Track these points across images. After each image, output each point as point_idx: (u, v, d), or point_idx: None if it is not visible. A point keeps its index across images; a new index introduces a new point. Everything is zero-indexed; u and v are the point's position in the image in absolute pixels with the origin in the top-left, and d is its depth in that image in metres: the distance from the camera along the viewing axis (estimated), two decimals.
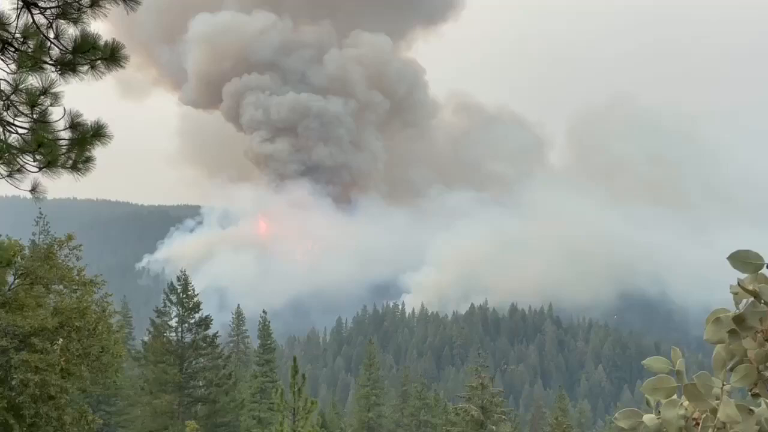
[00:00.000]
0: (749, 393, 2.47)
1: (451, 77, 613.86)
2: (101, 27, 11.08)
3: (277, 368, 70.60)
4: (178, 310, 53.83)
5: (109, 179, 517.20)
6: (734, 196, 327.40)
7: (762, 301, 2.35)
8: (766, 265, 2.38)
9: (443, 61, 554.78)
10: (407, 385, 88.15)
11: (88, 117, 11.15)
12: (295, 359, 33.15)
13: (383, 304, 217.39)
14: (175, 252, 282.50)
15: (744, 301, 2.41)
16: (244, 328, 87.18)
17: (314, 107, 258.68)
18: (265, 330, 70.60)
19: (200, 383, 54.03)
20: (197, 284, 59.09)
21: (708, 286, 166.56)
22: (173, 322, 54.14)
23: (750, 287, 2.38)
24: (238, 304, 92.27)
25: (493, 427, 51.05)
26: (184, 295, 53.96)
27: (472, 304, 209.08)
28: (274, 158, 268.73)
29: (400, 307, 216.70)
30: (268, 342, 70.31)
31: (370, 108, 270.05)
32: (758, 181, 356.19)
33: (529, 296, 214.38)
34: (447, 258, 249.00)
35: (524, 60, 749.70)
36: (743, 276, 2.41)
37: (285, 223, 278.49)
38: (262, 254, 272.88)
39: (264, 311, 73.76)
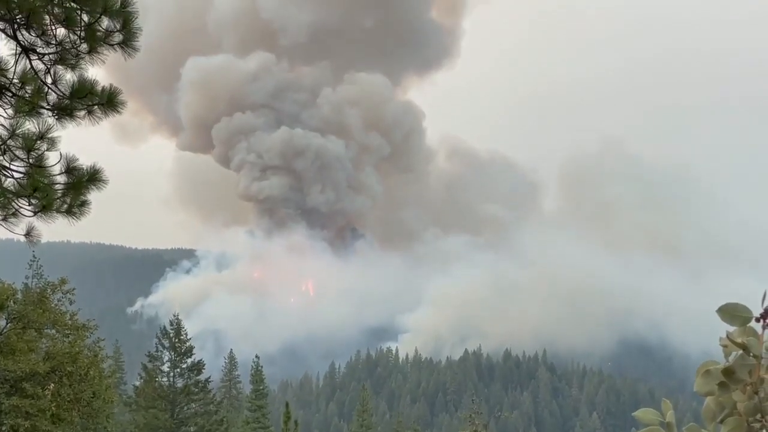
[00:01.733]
0: None
1: (444, 122, 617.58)
2: (99, 73, 11.18)
3: (269, 414, 70.00)
4: (171, 354, 53.52)
5: (103, 222, 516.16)
6: (728, 243, 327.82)
7: (751, 354, 2.38)
8: (754, 318, 2.41)
9: (435, 106, 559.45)
10: None
11: (84, 160, 11.21)
12: (287, 405, 32.96)
13: (377, 349, 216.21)
14: (169, 295, 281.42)
15: (733, 353, 2.44)
16: (236, 372, 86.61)
17: (313, 145, 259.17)
18: (257, 375, 70.12)
19: (192, 429, 53.49)
20: (192, 328, 58.90)
21: (707, 332, 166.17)
22: (165, 367, 53.78)
23: (739, 340, 2.40)
24: (231, 349, 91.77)
25: None
26: (176, 339, 53.69)
27: (466, 350, 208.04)
28: (268, 199, 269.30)
29: (393, 352, 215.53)
30: (261, 387, 69.80)
31: (368, 150, 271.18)
32: (750, 229, 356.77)
33: (524, 341, 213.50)
34: (442, 302, 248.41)
35: (516, 106, 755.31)
36: (732, 328, 2.45)
37: (280, 266, 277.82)
38: (258, 298, 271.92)
39: (257, 356, 73.35)
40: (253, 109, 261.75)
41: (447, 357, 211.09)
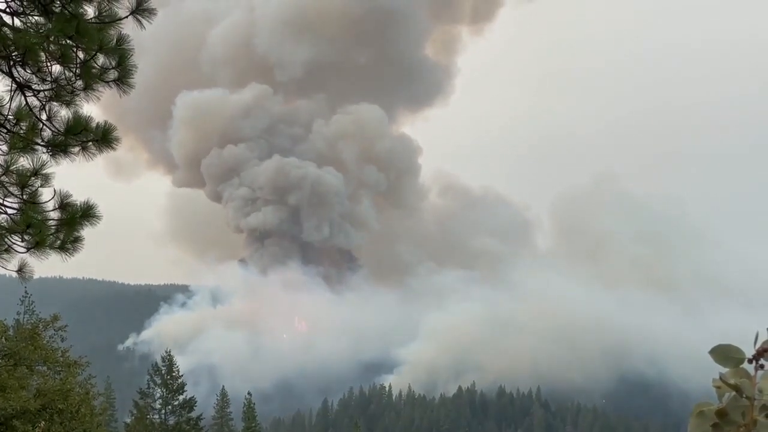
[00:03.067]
0: None
1: (436, 159, 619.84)
2: (93, 110, 11.22)
3: None
4: (162, 391, 53.18)
5: (95, 258, 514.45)
6: (722, 278, 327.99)
7: (743, 395, 2.38)
8: (746, 359, 2.42)
9: (428, 142, 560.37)
10: None
11: (78, 195, 11.21)
12: None
13: (370, 386, 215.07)
14: (162, 330, 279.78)
15: (726, 394, 2.44)
16: (228, 410, 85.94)
17: (309, 175, 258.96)
18: (249, 412, 69.68)
19: None
20: (186, 363, 58.64)
21: (706, 368, 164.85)
22: (157, 404, 53.40)
23: (731, 381, 2.41)
24: (223, 386, 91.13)
25: None
26: (168, 376, 53.40)
27: (460, 387, 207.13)
28: (260, 232, 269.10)
29: (387, 388, 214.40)
30: (253, 424, 69.34)
31: (364, 184, 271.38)
32: (746, 264, 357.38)
33: (520, 377, 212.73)
34: (437, 336, 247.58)
35: (508, 144, 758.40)
36: (725, 370, 2.45)
37: (275, 301, 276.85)
38: (253, 333, 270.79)
39: (249, 393, 72.87)
40: (246, 142, 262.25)
41: (441, 394, 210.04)
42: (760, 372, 2.39)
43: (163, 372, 53.66)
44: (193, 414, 53.78)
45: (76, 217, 10.98)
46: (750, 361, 2.40)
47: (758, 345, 2.40)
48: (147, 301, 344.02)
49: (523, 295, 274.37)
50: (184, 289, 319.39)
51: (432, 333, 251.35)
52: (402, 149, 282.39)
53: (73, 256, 11.38)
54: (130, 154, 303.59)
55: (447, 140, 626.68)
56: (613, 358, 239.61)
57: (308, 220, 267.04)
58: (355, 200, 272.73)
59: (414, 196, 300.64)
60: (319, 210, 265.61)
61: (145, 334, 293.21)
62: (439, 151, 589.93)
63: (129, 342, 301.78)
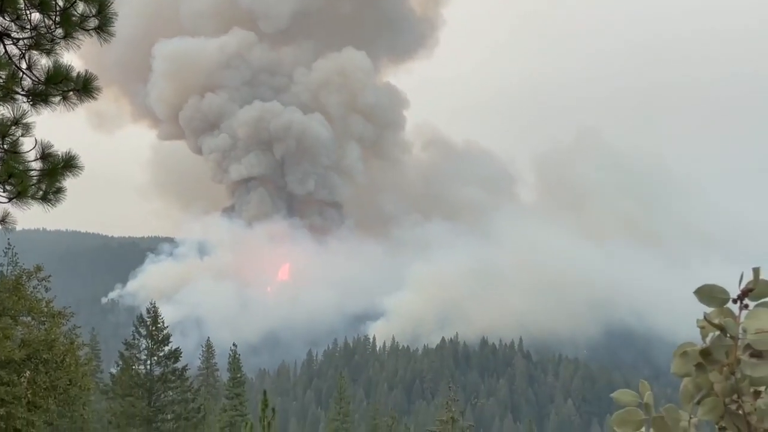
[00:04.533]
0: (717, 426, 2.50)
1: (419, 112, 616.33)
2: (75, 61, 11.07)
3: (247, 402, 69.96)
4: (148, 342, 53.31)
5: (79, 210, 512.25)
6: (706, 230, 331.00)
7: (728, 335, 2.39)
8: (731, 299, 2.43)
9: (411, 95, 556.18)
10: (378, 419, 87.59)
11: (59, 147, 11.11)
12: (265, 393, 32.88)
13: (354, 338, 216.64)
14: (148, 282, 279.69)
15: (710, 334, 2.45)
16: (214, 361, 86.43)
17: (295, 125, 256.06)
18: (235, 363, 70.00)
19: (169, 417, 53.35)
20: (174, 314, 58.66)
21: (690, 320, 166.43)
22: (142, 355, 53.57)
23: (716, 321, 2.42)
24: (208, 337, 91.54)
25: None
26: (153, 327, 53.48)
27: (443, 338, 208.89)
28: (245, 181, 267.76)
29: (371, 340, 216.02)
30: (238, 375, 69.70)
31: (351, 135, 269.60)
32: (730, 217, 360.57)
33: (504, 328, 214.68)
34: (422, 287, 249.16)
35: (492, 98, 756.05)
36: (710, 310, 2.46)
37: (261, 253, 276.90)
38: (240, 285, 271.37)
39: (234, 344, 73.15)
40: (227, 92, 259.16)
41: (424, 345, 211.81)
42: (744, 311, 2.40)
43: (148, 323, 53.76)
44: (179, 365, 53.97)
45: (58, 167, 10.91)
46: (734, 301, 2.42)
47: (743, 285, 2.41)
48: (132, 253, 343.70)
49: (509, 248, 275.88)
50: (170, 241, 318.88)
51: (417, 284, 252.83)
52: (388, 100, 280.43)
53: (55, 206, 11.33)
54: (113, 106, 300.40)
55: (430, 93, 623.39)
56: (599, 310, 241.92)
57: (293, 171, 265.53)
58: (341, 151, 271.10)
59: (398, 149, 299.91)
60: (304, 161, 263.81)
61: (131, 286, 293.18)
62: (422, 104, 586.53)
63: (114, 294, 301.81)
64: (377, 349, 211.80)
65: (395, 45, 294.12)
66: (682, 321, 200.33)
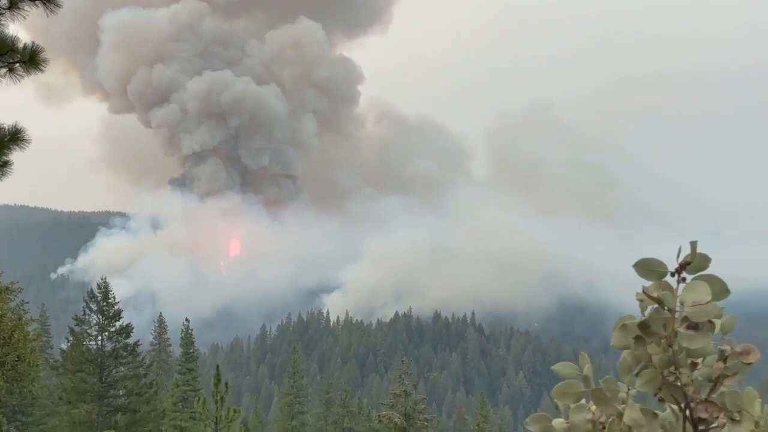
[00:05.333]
0: (655, 397, 2.56)
1: (371, 87, 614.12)
2: (23, 35, 10.86)
3: (200, 377, 69.65)
4: (98, 317, 52.74)
5: (28, 185, 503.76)
6: (658, 206, 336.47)
7: (666, 308, 2.44)
8: (669, 272, 2.48)
9: (364, 70, 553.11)
10: (331, 393, 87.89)
11: (6, 120, 10.92)
12: (218, 367, 32.86)
13: (308, 312, 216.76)
14: (99, 257, 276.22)
15: (649, 307, 2.50)
16: (166, 336, 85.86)
17: (250, 97, 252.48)
18: (187, 338, 69.60)
19: (120, 392, 52.97)
20: (127, 290, 58.10)
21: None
22: (93, 330, 52.98)
23: (654, 294, 2.47)
24: (161, 312, 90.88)
25: None
26: (104, 303, 52.90)
27: (397, 312, 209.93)
28: (197, 154, 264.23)
29: (325, 314, 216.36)
30: (191, 350, 69.32)
31: (306, 107, 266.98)
32: (679, 192, 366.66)
33: (458, 302, 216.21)
34: (376, 261, 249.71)
35: (445, 74, 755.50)
36: (648, 283, 2.51)
37: (215, 228, 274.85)
38: (193, 260, 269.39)
39: (187, 319, 72.70)
40: (179, 63, 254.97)
41: (378, 319, 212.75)
42: (682, 285, 2.45)
43: (98, 298, 53.14)
44: (130, 340, 53.49)
45: (4, 140, 10.73)
46: (673, 275, 2.46)
47: (681, 258, 2.46)
48: (82, 228, 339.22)
49: (463, 222, 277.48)
50: (122, 215, 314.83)
51: (372, 258, 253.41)
52: (343, 74, 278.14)
53: (1, 180, 11.15)
54: (62, 79, 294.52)
55: (383, 68, 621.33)
56: (552, 283, 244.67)
57: (247, 144, 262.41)
58: (296, 125, 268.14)
59: (352, 124, 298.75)
60: (259, 135, 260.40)
61: (81, 261, 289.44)
62: (375, 79, 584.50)
63: (64, 269, 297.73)
64: (331, 323, 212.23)
65: (349, 18, 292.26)
66: (634, 294, 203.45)
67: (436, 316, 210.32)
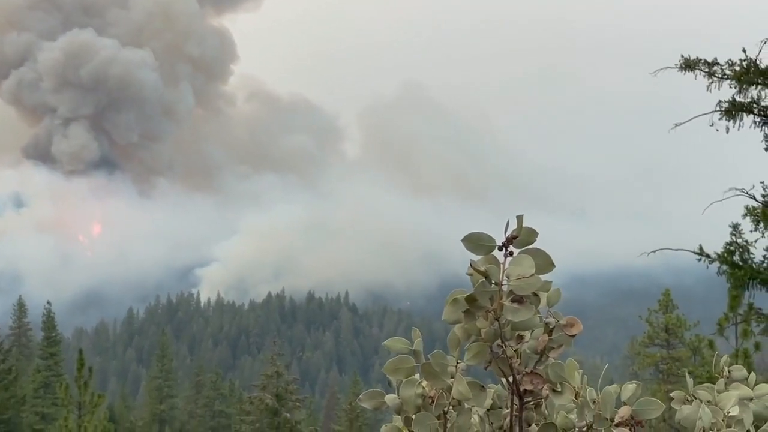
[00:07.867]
0: (486, 370, 2.57)
1: (241, 66, 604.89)
2: None
3: (63, 362, 67.55)
4: None
5: None
6: (528, 186, 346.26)
7: (492, 282, 2.45)
8: (497, 246, 2.49)
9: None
10: (201, 376, 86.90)
11: None
12: (81, 352, 32.02)
13: (177, 294, 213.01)
14: None
15: (479, 281, 2.51)
16: (26, 319, 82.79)
17: (116, 62, 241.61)
18: (49, 322, 67.40)
19: None
20: None
21: None
22: None
23: (482, 268, 2.47)
24: (20, 295, 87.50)
25: (288, 414, 51.36)
26: None
27: (269, 292, 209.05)
28: (64, 130, 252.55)
29: (195, 295, 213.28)
30: (53, 334, 67.18)
31: (176, 80, 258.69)
32: (548, 173, 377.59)
33: (333, 282, 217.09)
34: (250, 241, 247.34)
35: (317, 52, 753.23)
36: (477, 258, 2.51)
37: (81, 206, 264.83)
38: (58, 239, 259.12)
39: (48, 302, 70.31)
40: (37, 33, 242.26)
41: (250, 300, 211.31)
42: (509, 259, 2.47)
43: None
44: None
45: None
46: (500, 249, 2.48)
47: (508, 232, 2.47)
48: None
49: (339, 202, 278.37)
50: None
51: (247, 236, 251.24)
52: (216, 48, 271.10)
53: None
54: None
55: (254, 47, 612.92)
56: (432, 262, 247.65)
57: (115, 118, 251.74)
58: (167, 99, 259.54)
59: (223, 100, 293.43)
60: (126, 108, 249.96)
61: None
62: (245, 56, 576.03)
63: None
64: (202, 304, 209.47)
65: None
66: None
67: (310, 295, 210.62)
